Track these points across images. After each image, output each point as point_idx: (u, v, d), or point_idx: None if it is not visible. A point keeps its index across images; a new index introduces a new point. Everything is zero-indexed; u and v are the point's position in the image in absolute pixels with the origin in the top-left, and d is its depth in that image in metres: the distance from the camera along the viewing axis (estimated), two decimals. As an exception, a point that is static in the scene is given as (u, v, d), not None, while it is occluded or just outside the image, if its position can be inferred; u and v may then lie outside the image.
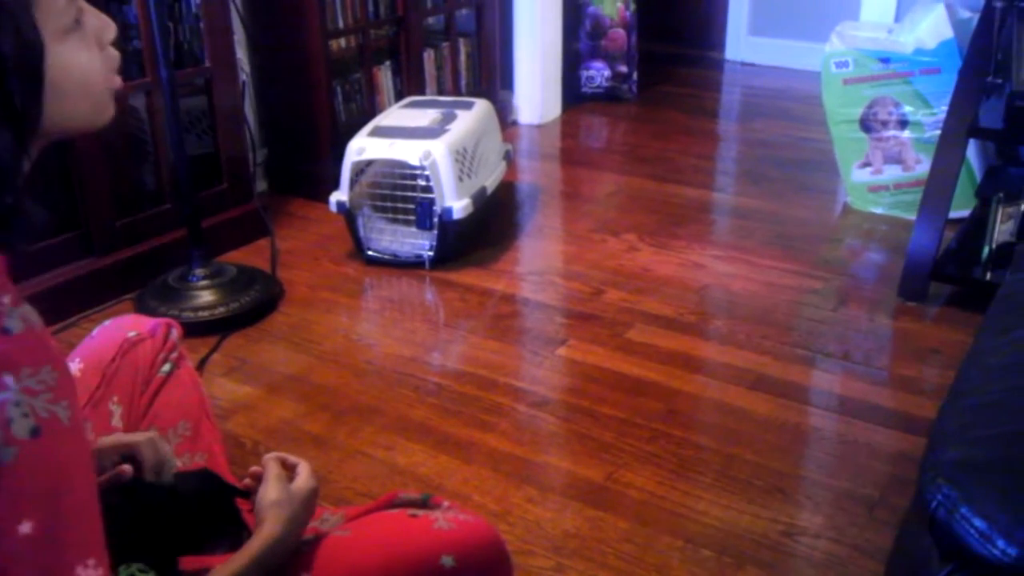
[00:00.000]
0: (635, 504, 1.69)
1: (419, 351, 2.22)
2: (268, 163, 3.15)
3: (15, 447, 0.69)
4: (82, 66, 0.78)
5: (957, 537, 0.92)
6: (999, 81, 2.38)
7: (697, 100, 4.22)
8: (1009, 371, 1.16)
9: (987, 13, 2.36)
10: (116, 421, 1.22)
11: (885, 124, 2.83)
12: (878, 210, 2.92)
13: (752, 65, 4.69)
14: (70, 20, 0.77)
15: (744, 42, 4.71)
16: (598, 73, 4.13)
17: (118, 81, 0.84)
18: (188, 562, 1.05)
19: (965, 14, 2.74)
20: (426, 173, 2.48)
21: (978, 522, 0.91)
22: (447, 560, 1.03)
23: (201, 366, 2.14)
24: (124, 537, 0.98)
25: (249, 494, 1.12)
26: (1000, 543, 0.89)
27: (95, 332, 1.31)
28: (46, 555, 0.71)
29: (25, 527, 0.70)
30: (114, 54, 0.83)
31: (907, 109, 2.79)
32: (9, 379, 0.70)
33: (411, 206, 2.56)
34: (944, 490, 0.95)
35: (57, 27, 0.75)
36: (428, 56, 3.37)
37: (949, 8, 2.72)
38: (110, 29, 0.82)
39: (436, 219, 2.53)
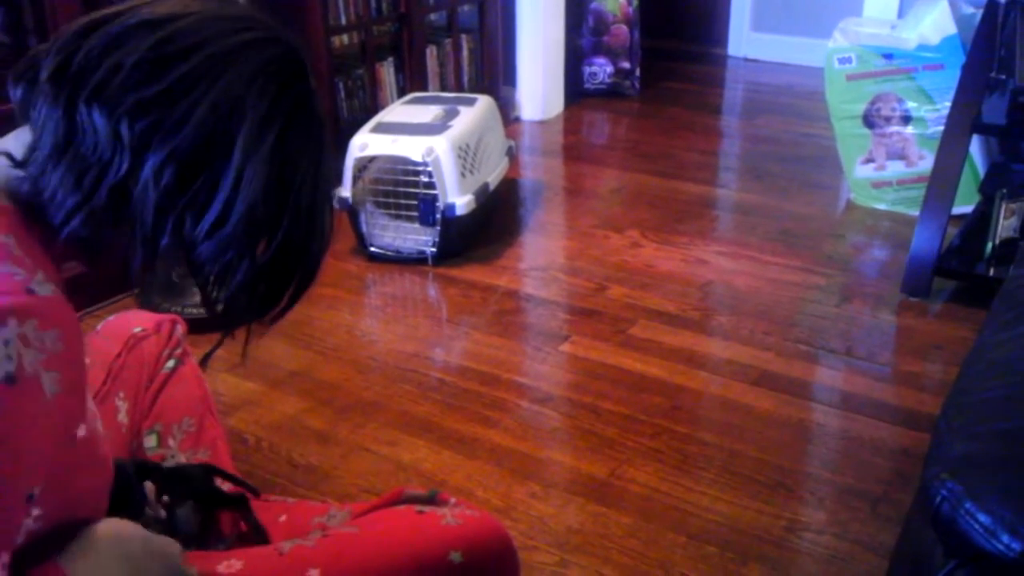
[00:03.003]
0: (638, 500, 1.69)
1: (422, 347, 2.22)
2: (271, 159, 3.15)
3: None
4: None
5: (961, 532, 0.93)
6: (1002, 77, 2.38)
7: (700, 96, 4.21)
8: (1013, 367, 1.16)
9: (990, 9, 2.36)
10: (122, 417, 1.22)
11: (888, 120, 2.83)
12: (881, 206, 2.92)
13: (755, 61, 4.68)
14: None
15: (747, 38, 4.70)
16: (601, 69, 4.13)
17: None
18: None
19: (968, 10, 2.73)
20: (429, 169, 2.48)
21: (983, 517, 0.91)
22: (455, 556, 1.03)
23: (204, 362, 2.14)
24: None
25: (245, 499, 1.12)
26: (1004, 538, 0.89)
27: (100, 327, 1.32)
28: None
29: None
30: None
31: (910, 105, 2.78)
32: (12, 321, 0.69)
33: (414, 202, 2.56)
34: (948, 485, 0.95)
35: None
36: (431, 52, 3.37)
37: (952, 4, 2.71)
38: None
39: (439, 215, 2.53)
